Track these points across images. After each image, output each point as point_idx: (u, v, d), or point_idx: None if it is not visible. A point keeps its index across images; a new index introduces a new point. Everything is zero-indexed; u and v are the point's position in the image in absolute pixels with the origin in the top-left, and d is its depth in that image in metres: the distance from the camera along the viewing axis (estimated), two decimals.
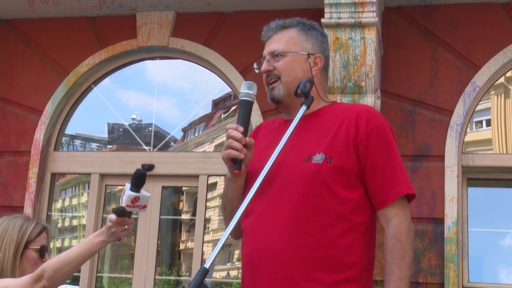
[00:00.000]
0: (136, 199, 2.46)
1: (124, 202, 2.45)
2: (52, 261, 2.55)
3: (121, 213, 2.47)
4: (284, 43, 2.51)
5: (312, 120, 2.36)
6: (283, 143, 2.19)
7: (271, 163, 2.12)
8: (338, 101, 4.83)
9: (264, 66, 2.52)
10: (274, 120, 2.62)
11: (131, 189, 2.45)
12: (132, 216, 2.55)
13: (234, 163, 2.36)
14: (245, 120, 2.40)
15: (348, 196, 2.31)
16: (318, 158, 2.32)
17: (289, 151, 2.21)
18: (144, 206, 2.50)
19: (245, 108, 2.42)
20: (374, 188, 2.32)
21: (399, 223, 2.29)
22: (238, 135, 2.34)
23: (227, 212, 2.58)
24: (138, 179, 2.45)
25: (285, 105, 2.51)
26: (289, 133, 2.20)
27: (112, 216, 2.50)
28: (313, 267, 2.24)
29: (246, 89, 2.41)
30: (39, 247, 2.79)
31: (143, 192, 2.47)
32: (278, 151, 2.18)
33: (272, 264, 2.28)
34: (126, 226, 2.53)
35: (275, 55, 2.50)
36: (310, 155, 2.32)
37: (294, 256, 2.25)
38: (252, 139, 2.40)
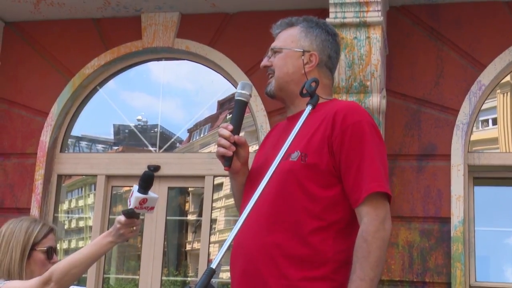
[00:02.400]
0: (144, 201, 2.47)
1: (132, 204, 2.47)
2: (60, 264, 2.56)
3: (131, 215, 2.49)
4: (283, 40, 2.57)
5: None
6: (287, 146, 2.19)
7: (276, 164, 2.13)
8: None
9: (263, 61, 2.60)
10: (287, 120, 2.65)
11: (139, 191, 2.47)
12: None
13: (224, 160, 2.42)
14: (237, 119, 2.45)
15: (321, 194, 2.30)
16: (294, 156, 2.33)
17: (277, 149, 2.22)
18: (152, 208, 2.51)
19: (238, 107, 2.48)
20: (348, 187, 2.30)
21: (368, 222, 2.24)
22: (226, 133, 2.41)
23: (237, 209, 2.65)
24: (146, 181, 2.47)
25: (279, 98, 2.58)
26: (293, 136, 2.20)
27: (121, 218, 2.51)
28: (282, 264, 2.25)
29: (240, 89, 2.49)
30: (45, 248, 2.79)
31: (151, 193, 2.49)
32: (282, 154, 2.17)
33: (245, 261, 2.32)
34: (134, 228, 2.54)
35: (273, 52, 2.57)
36: (290, 153, 2.34)
37: (264, 253, 2.28)
38: (243, 137, 2.45)
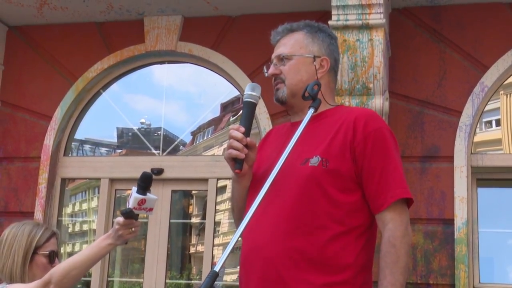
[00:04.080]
0: (142, 202, 2.47)
1: (131, 204, 2.46)
2: (60, 266, 2.56)
3: (129, 215, 2.48)
4: (290, 46, 2.54)
5: (314, 124, 2.36)
6: (290, 148, 2.19)
7: (278, 168, 2.13)
8: (347, 103, 4.84)
9: (271, 70, 2.56)
10: (284, 124, 2.64)
11: (138, 192, 2.46)
12: (142, 220, 2.55)
13: (235, 162, 2.38)
14: (247, 121, 2.42)
15: (343, 199, 2.31)
16: (314, 161, 2.32)
17: (289, 154, 2.22)
18: (151, 209, 2.51)
19: (248, 109, 2.44)
20: (370, 192, 2.32)
21: (394, 227, 2.26)
22: (239, 135, 2.36)
23: (235, 213, 2.63)
24: (145, 182, 2.47)
25: (289, 105, 2.54)
26: (296, 137, 2.20)
27: (120, 219, 2.51)
28: (304, 269, 2.25)
29: (249, 91, 2.44)
30: (48, 252, 2.80)
31: (150, 194, 2.48)
32: (286, 156, 2.17)
33: (264, 265, 2.29)
34: (133, 229, 2.54)
35: (281, 59, 2.53)
36: (308, 158, 2.33)
37: (285, 257, 2.26)
38: (253, 140, 2.41)
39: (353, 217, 2.31)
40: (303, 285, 2.24)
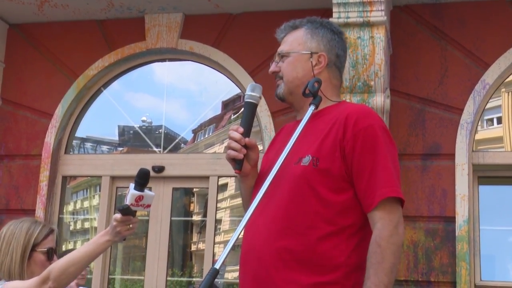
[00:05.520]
0: (140, 198, 2.46)
1: (128, 201, 2.46)
2: (58, 262, 2.56)
3: (126, 211, 2.48)
4: (289, 44, 2.54)
5: (313, 121, 2.34)
6: (290, 147, 2.18)
7: (277, 168, 2.12)
8: (348, 100, 4.82)
9: (271, 67, 2.57)
10: (294, 122, 2.62)
11: (135, 188, 2.46)
12: (144, 218, 2.55)
13: (235, 163, 2.39)
14: (247, 121, 2.43)
15: (334, 199, 2.29)
16: (306, 160, 2.31)
17: (289, 152, 2.21)
18: (148, 205, 2.50)
19: (248, 109, 2.44)
20: (360, 191, 2.29)
21: (382, 227, 2.23)
22: (237, 135, 2.37)
23: (245, 211, 2.62)
24: (142, 178, 2.46)
25: (289, 102, 2.55)
26: (296, 137, 2.19)
27: (117, 215, 2.51)
28: (294, 269, 2.24)
29: (250, 91, 2.44)
30: (46, 249, 2.80)
31: (147, 191, 2.48)
32: (285, 155, 2.16)
33: (256, 265, 2.30)
34: (131, 225, 2.53)
35: (281, 56, 2.54)
36: (301, 157, 2.32)
37: (276, 257, 2.26)
38: (253, 140, 2.42)
39: (345, 217, 2.29)
40: (291, 285, 2.23)
